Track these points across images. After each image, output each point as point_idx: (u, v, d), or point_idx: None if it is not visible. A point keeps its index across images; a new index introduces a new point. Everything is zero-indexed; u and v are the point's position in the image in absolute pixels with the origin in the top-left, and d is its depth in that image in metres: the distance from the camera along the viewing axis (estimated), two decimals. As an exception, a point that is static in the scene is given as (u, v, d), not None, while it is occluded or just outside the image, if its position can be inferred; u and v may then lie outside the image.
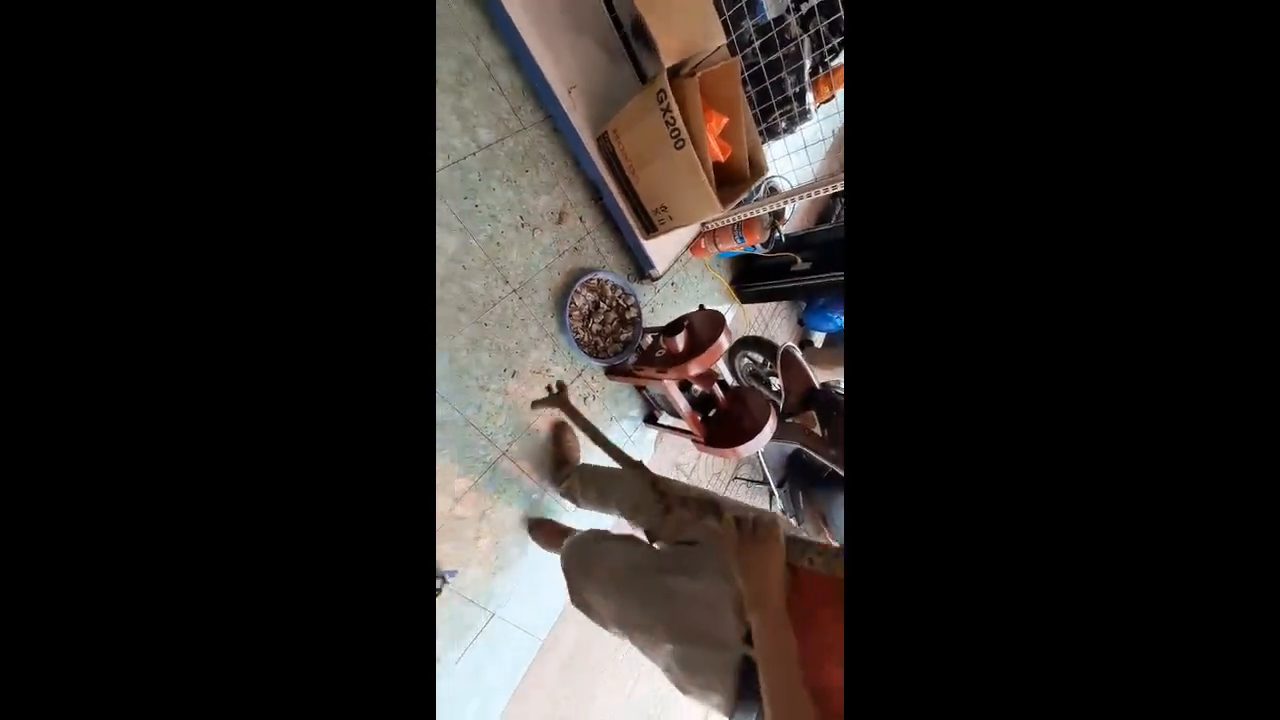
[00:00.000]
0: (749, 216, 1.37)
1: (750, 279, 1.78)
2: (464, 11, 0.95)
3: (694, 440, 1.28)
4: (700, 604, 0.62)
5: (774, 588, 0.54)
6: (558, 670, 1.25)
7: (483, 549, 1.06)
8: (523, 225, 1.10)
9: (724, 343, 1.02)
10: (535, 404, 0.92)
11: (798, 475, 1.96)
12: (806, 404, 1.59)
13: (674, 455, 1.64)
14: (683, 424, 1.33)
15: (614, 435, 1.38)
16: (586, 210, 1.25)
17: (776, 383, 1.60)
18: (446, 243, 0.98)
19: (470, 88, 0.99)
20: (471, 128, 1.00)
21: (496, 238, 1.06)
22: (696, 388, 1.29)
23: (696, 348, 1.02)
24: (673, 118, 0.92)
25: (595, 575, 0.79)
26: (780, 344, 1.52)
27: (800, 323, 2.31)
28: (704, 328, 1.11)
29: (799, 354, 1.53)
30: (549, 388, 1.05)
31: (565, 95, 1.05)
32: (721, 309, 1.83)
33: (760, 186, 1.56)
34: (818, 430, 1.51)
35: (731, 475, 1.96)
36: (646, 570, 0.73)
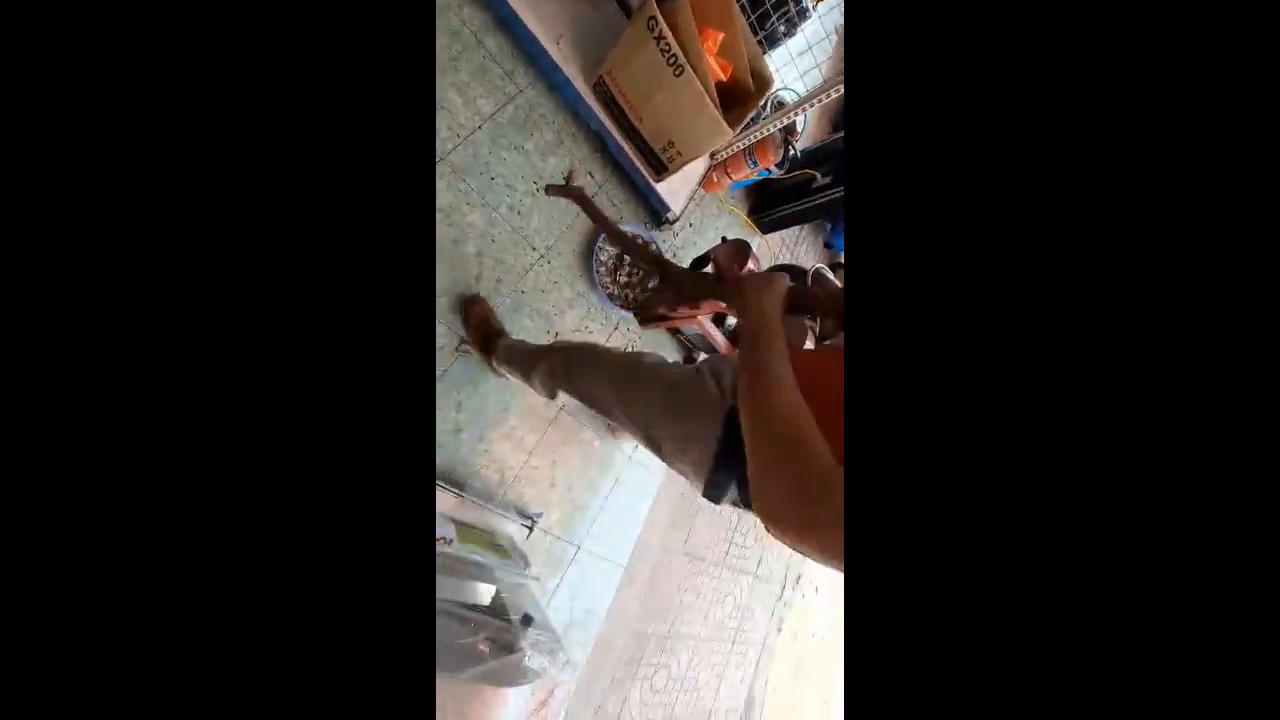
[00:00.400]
0: (759, 137, 1.32)
1: (768, 206, 1.73)
2: (442, -17, 0.95)
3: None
4: (688, 374, 0.64)
5: (768, 309, 0.51)
6: (639, 596, 1.40)
7: (559, 493, 1.18)
8: (538, 190, 1.13)
9: (752, 269, 1.03)
10: (549, 189, 0.86)
11: None
12: (843, 324, 1.58)
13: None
14: (722, 359, 1.37)
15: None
16: (594, 164, 1.26)
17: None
18: (474, 219, 1.04)
19: (463, 60, 1.00)
20: (472, 100, 1.02)
21: (517, 206, 1.10)
22: (731, 320, 1.31)
23: (724, 278, 1.04)
24: (667, 44, 0.90)
25: (590, 366, 0.78)
26: (809, 266, 1.50)
27: (827, 245, 2.23)
28: (728, 258, 1.12)
29: (830, 274, 1.50)
30: (565, 176, 1.04)
31: (554, 47, 1.04)
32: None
33: (766, 103, 1.49)
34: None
35: None
36: (638, 360, 0.74)
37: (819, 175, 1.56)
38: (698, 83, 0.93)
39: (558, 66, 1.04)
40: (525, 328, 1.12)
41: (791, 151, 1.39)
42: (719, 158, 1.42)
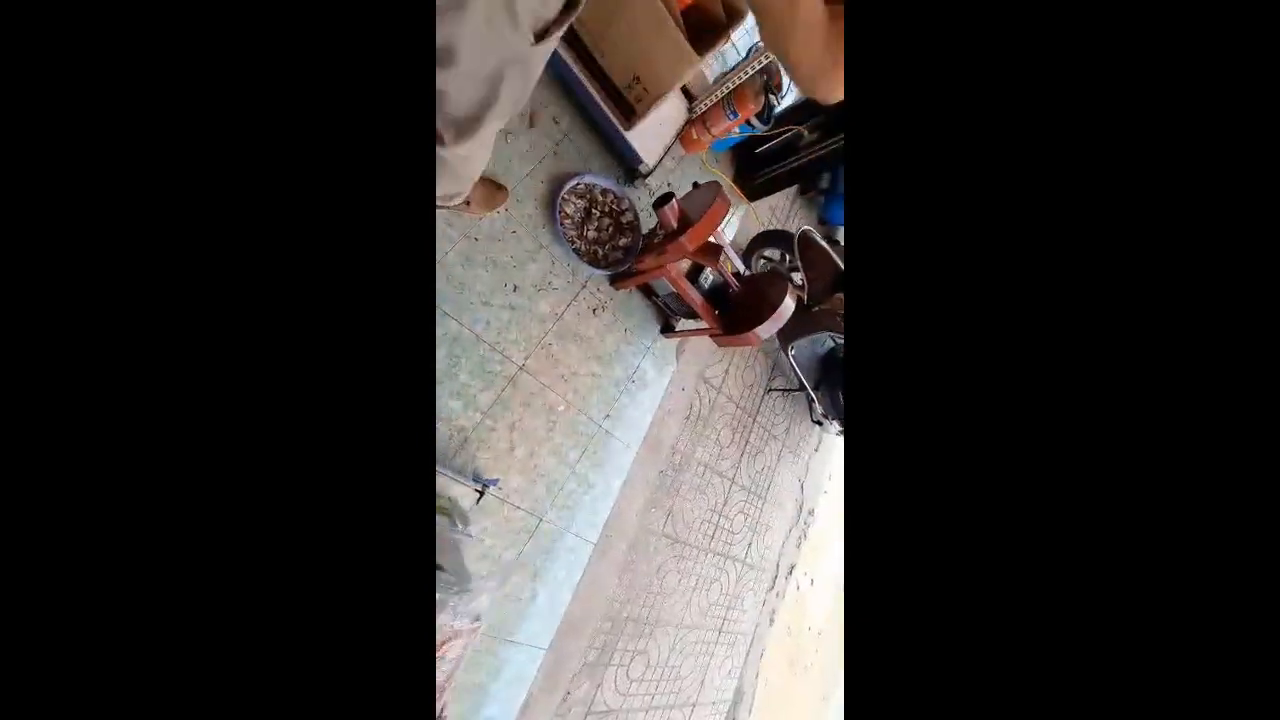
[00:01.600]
0: (737, 84, 1.24)
1: (755, 169, 1.64)
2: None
3: (712, 335, 1.24)
4: None
5: None
6: (616, 574, 1.31)
7: (519, 458, 1.10)
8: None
9: (721, 208, 0.95)
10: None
11: (833, 374, 1.87)
12: (835, 288, 1.49)
13: (699, 368, 1.60)
14: (700, 324, 1.29)
15: (631, 351, 1.36)
16: (558, 108, 1.18)
17: (800, 278, 1.50)
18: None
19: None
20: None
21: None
22: (708, 274, 1.22)
23: (693, 218, 0.96)
24: None
25: None
26: (796, 230, 1.41)
27: (822, 221, 2.14)
28: (698, 198, 1.03)
29: (818, 235, 1.41)
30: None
31: None
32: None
33: (749, 50, 1.41)
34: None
35: (765, 387, 1.90)
36: None
37: (805, 132, 1.47)
38: (658, 1, 0.85)
39: None
40: (480, 278, 1.05)
41: (772, 102, 1.30)
42: (696, 110, 1.34)
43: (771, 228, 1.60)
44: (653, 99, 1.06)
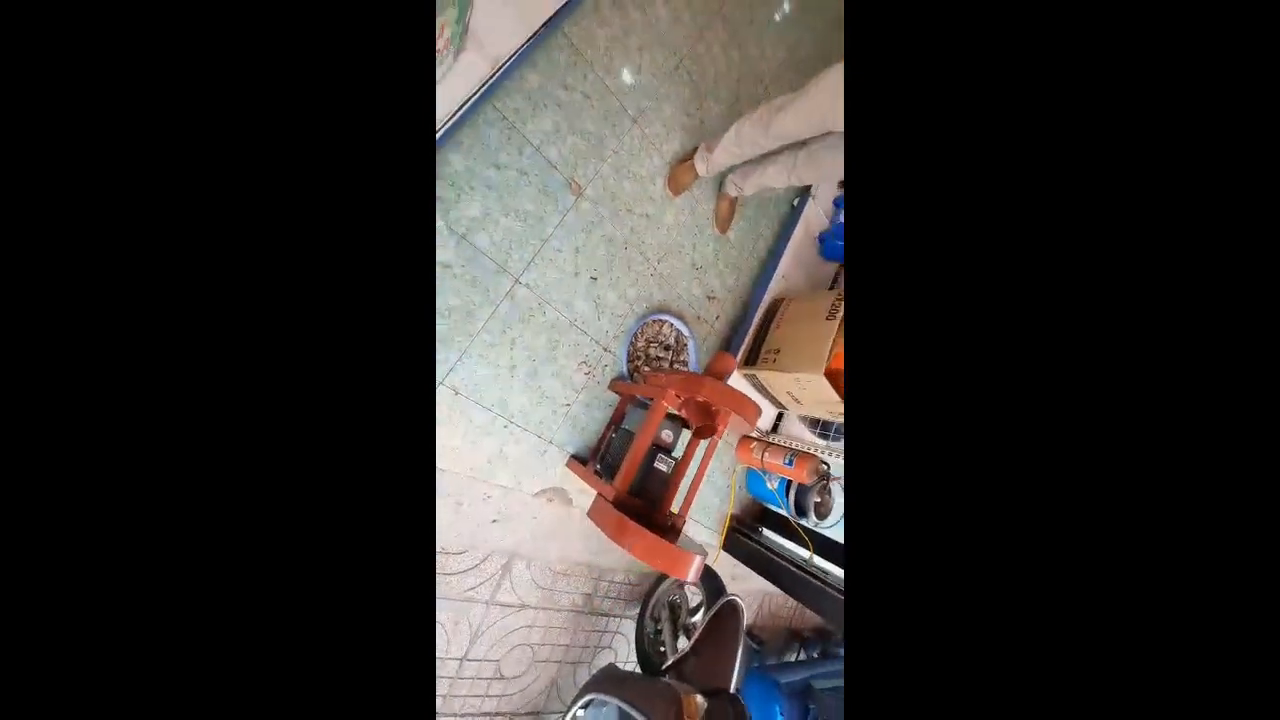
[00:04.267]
0: (808, 453, 1.39)
1: (754, 527, 1.56)
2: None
3: (600, 496, 0.97)
4: None
5: None
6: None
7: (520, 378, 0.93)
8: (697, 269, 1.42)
9: (757, 416, 0.93)
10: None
11: None
12: (706, 691, 1.03)
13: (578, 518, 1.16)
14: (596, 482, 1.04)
15: (523, 447, 1.15)
16: (730, 308, 1.52)
17: (688, 641, 1.14)
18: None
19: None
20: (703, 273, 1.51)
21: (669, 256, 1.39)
22: (669, 443, 1.06)
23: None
24: (837, 309, 1.23)
25: None
26: (729, 595, 1.18)
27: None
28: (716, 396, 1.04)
29: (744, 616, 1.13)
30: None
31: (778, 281, 1.52)
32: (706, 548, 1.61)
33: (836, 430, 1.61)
34: None
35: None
36: None
37: (812, 550, 1.41)
38: (834, 330, 1.18)
39: (771, 277, 1.49)
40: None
41: (822, 482, 1.37)
42: (771, 438, 1.50)
43: (713, 570, 1.35)
44: (774, 369, 1.29)
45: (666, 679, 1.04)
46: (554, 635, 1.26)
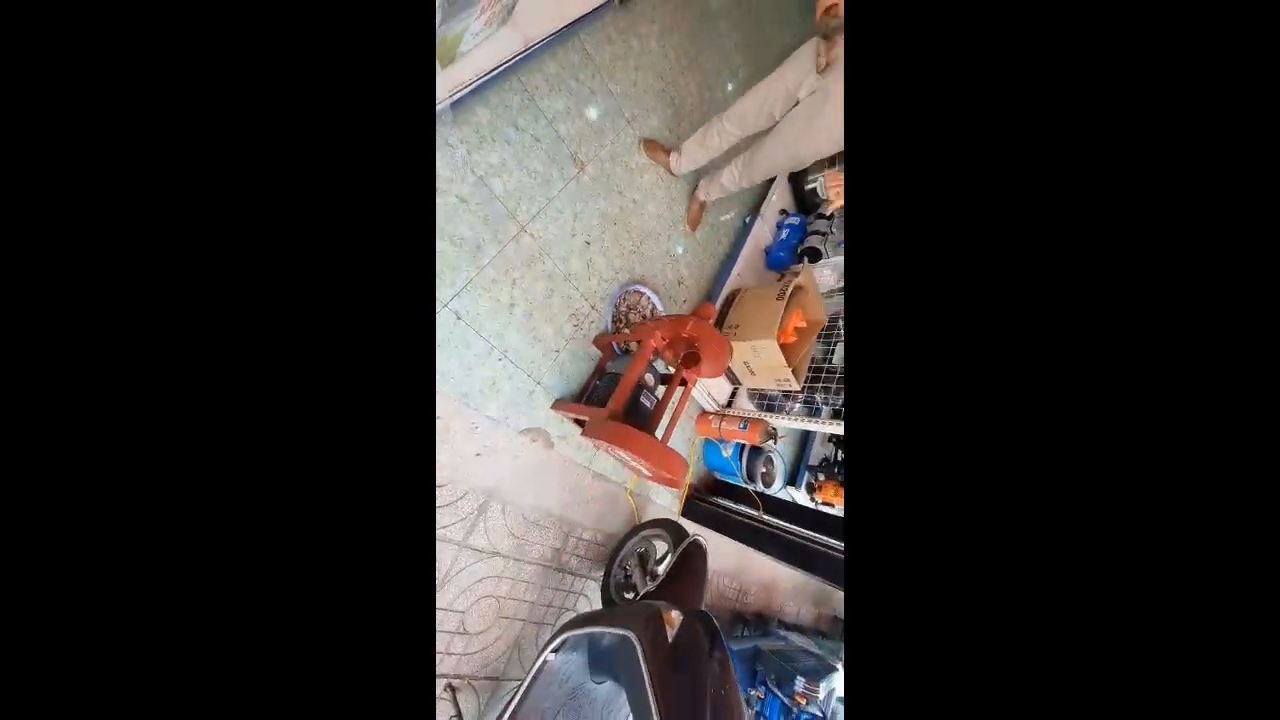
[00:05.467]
0: (757, 418, 1.59)
1: (708, 494, 1.68)
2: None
3: (594, 416, 1.05)
4: None
5: None
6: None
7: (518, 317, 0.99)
8: (671, 258, 1.63)
9: (731, 356, 1.10)
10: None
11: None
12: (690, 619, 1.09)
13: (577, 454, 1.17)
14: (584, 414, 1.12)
15: (514, 383, 1.22)
16: (695, 294, 1.72)
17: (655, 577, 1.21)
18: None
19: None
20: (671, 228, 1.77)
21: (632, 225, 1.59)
22: (651, 385, 1.17)
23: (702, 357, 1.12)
24: (784, 292, 1.51)
25: None
26: (692, 534, 1.29)
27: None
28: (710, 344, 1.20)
29: (706, 562, 1.23)
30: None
31: (734, 278, 1.79)
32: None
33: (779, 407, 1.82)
34: (672, 632, 1.01)
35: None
36: None
37: (762, 509, 1.56)
38: (783, 308, 1.43)
39: (731, 270, 1.76)
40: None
41: (771, 440, 1.56)
42: (726, 411, 1.69)
43: (676, 522, 1.43)
44: (735, 338, 1.50)
45: (644, 596, 1.08)
46: (521, 590, 1.23)
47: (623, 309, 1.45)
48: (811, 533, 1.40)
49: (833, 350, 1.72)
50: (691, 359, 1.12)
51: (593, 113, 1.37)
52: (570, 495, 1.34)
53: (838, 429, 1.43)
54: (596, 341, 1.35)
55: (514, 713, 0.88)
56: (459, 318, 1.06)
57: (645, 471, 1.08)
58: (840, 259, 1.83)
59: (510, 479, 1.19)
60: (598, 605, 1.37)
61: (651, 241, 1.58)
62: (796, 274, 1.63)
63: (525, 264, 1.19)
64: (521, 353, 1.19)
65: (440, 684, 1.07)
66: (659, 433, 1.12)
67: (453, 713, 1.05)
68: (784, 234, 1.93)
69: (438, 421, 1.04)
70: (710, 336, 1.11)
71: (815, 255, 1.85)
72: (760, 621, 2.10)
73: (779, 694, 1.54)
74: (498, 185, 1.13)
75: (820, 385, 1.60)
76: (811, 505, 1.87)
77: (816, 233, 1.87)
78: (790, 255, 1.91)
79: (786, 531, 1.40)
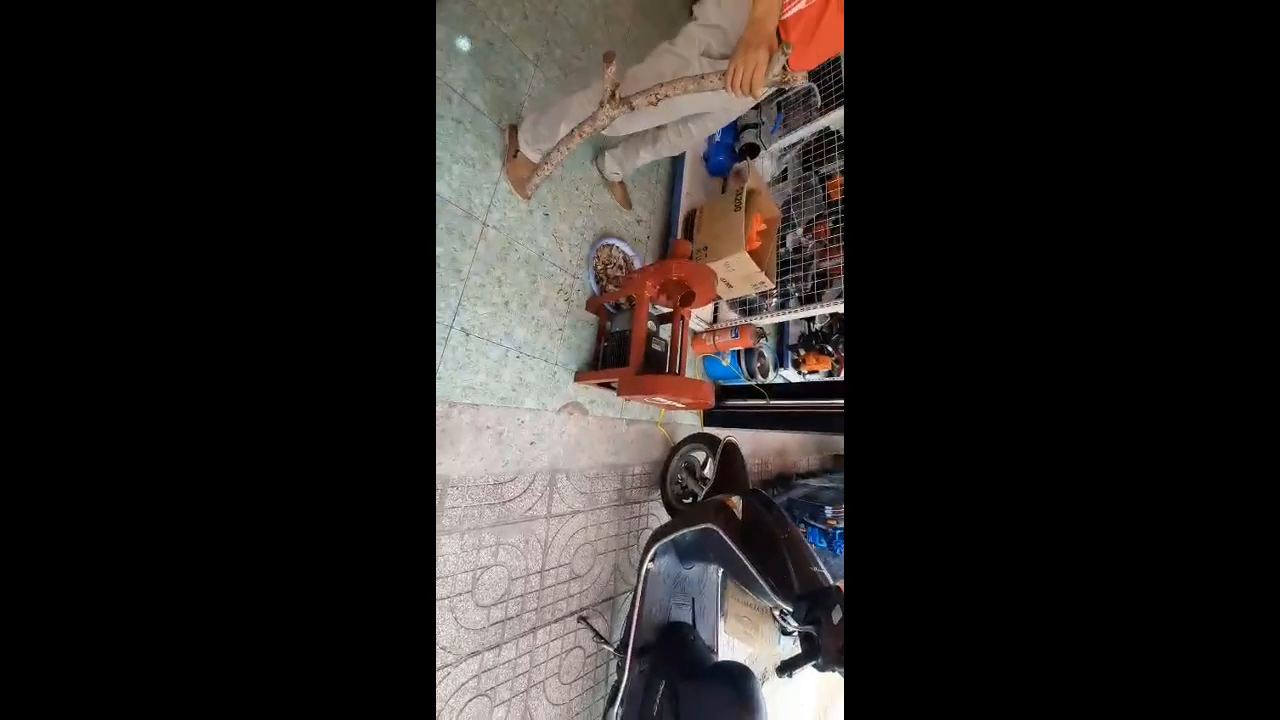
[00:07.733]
0: (746, 323, 1.76)
1: (721, 398, 1.92)
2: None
3: (620, 377, 1.17)
4: None
5: None
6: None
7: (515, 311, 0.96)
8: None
9: (716, 281, 1.20)
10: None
11: (679, 654, 1.30)
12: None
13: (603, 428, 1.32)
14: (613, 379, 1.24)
15: (536, 372, 1.29)
16: (656, 226, 1.76)
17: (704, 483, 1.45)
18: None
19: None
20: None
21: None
22: (655, 330, 1.29)
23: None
24: (740, 201, 1.56)
25: None
26: (723, 438, 1.50)
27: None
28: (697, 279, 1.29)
29: (741, 454, 1.46)
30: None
31: (686, 198, 1.80)
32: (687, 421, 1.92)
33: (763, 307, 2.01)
34: (738, 512, 1.25)
35: (578, 614, 1.34)
36: None
37: (767, 397, 1.82)
38: (743, 217, 1.50)
39: (680, 201, 1.77)
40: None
41: (764, 338, 1.75)
42: (714, 327, 1.84)
43: (707, 433, 1.67)
44: (708, 259, 1.58)
45: (706, 500, 1.33)
46: (604, 530, 1.45)
47: (599, 267, 1.48)
48: (803, 401, 1.67)
49: (785, 237, 1.83)
50: (688, 298, 1.22)
51: (499, 69, 1.25)
52: (614, 445, 1.51)
53: (810, 312, 1.61)
54: (589, 306, 1.41)
55: (639, 610, 1.14)
56: (468, 334, 1.09)
57: (679, 405, 1.24)
58: (776, 145, 1.86)
59: (563, 452, 1.33)
60: (664, 518, 1.63)
61: (603, 191, 1.55)
62: (741, 175, 1.68)
63: (499, 258, 1.19)
64: (531, 343, 1.25)
65: (573, 618, 1.32)
66: (677, 368, 1.26)
67: (593, 633, 1.32)
68: (717, 136, 1.91)
69: (492, 430, 1.13)
70: (695, 271, 1.19)
71: (754, 150, 1.86)
72: (783, 481, 2.52)
73: (815, 524, 1.96)
74: (443, 188, 1.08)
75: (790, 276, 1.75)
76: (800, 378, 2.15)
77: (749, 126, 1.86)
78: (729, 155, 1.92)
79: (784, 407, 1.66)
